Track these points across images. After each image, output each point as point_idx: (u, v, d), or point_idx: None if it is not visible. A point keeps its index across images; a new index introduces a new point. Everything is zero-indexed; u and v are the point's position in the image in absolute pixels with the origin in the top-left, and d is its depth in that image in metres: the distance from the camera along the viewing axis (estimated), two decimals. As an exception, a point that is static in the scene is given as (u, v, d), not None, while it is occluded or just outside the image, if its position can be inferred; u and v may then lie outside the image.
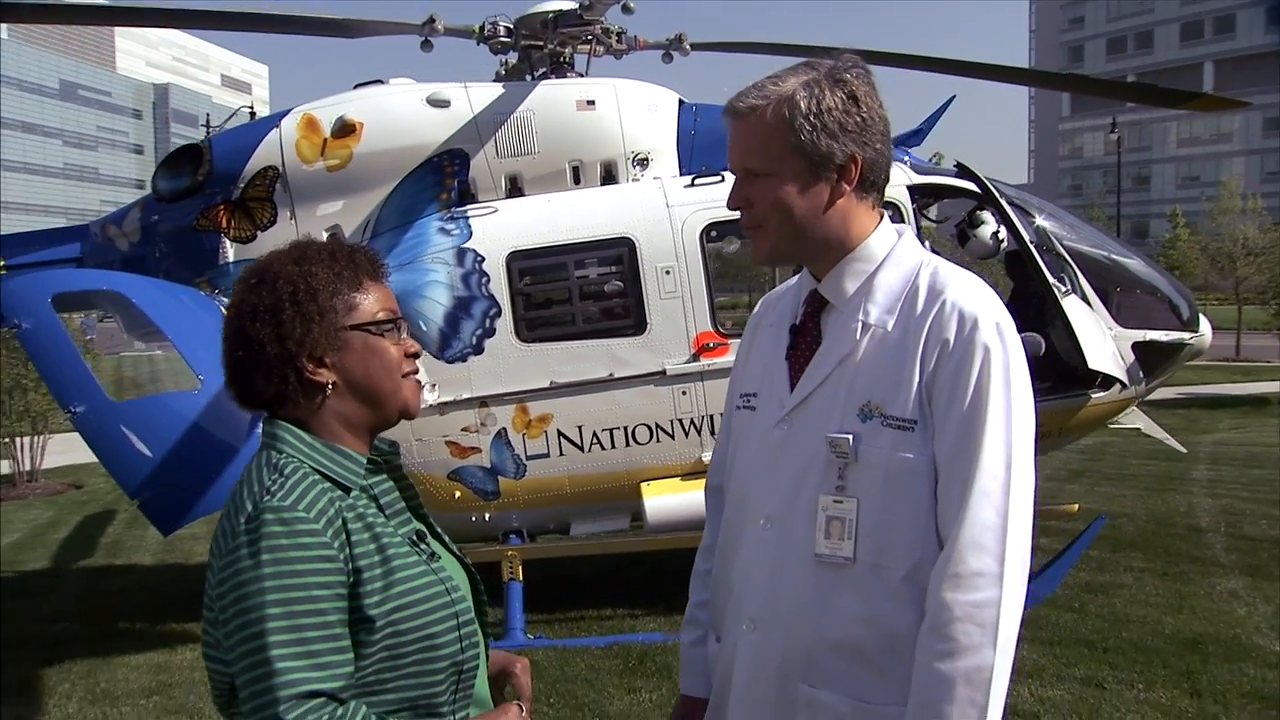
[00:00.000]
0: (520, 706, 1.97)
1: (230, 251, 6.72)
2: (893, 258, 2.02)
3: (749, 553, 2.06)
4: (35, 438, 14.39)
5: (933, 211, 8.03)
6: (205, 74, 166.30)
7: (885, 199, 6.39)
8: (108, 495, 12.89)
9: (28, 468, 14.78)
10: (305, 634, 1.64)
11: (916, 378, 1.91)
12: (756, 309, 2.30)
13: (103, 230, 7.12)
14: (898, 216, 6.74)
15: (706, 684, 2.21)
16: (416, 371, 1.98)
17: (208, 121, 42.65)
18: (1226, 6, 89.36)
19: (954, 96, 8.06)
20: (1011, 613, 1.82)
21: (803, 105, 1.92)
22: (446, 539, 2.05)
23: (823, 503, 1.94)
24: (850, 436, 1.92)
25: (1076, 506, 7.34)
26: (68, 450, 14.07)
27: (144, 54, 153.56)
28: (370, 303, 1.90)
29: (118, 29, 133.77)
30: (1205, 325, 7.54)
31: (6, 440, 14.64)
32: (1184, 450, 8.68)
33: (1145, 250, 8.75)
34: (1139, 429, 7.84)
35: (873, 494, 1.91)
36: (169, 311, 6.15)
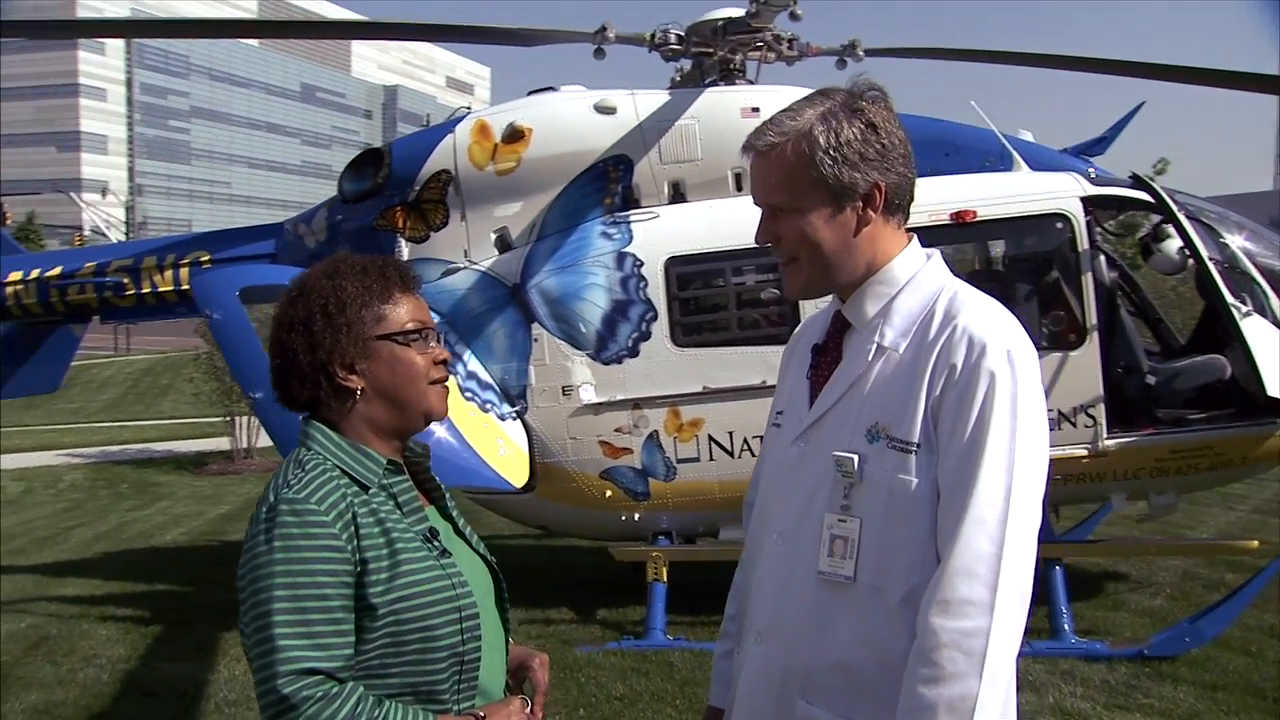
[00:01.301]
0: (525, 700, 2.05)
1: (405, 251, 7.06)
2: (915, 282, 2.02)
3: (763, 567, 2.09)
4: (253, 417, 15.50)
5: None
6: (431, 76, 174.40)
7: (1056, 211, 6.12)
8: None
9: (245, 445, 16.00)
10: (308, 616, 1.78)
11: (923, 401, 1.89)
12: (796, 331, 2.31)
13: (294, 228, 7.62)
14: (1067, 229, 6.46)
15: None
16: (446, 379, 2.09)
17: (428, 122, 44.67)
18: None
19: (1143, 103, 7.65)
20: (1003, 644, 1.78)
21: (821, 139, 1.93)
22: (472, 539, 2.15)
23: (828, 520, 1.95)
24: (856, 457, 1.93)
25: (1256, 543, 6.82)
26: (277, 431, 15.04)
27: (376, 57, 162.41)
28: (399, 314, 2.03)
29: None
30: None
31: (228, 419, 15.88)
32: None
33: None
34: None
35: (875, 515, 1.91)
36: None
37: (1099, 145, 7.48)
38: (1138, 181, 6.72)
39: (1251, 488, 10.69)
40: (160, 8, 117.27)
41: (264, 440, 15.88)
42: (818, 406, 2.04)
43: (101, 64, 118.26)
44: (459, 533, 2.13)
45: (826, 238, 1.98)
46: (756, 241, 2.08)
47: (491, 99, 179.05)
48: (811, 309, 6.54)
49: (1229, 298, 6.01)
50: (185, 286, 7.48)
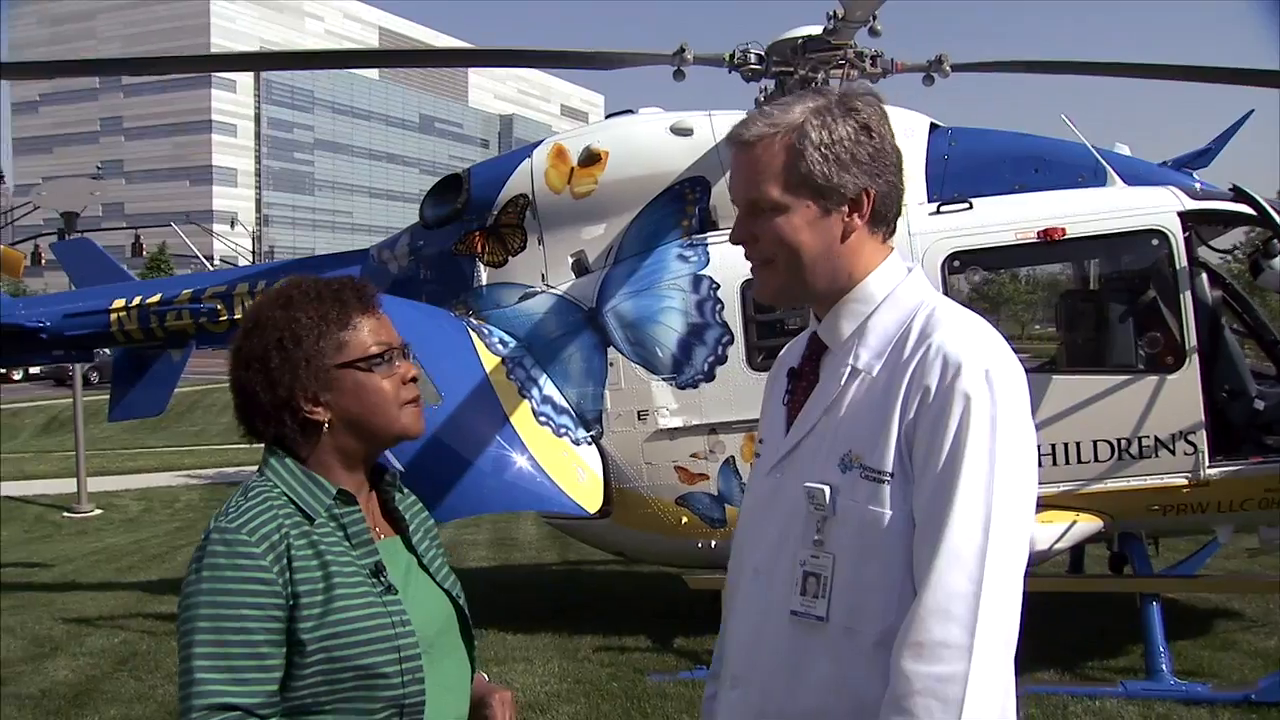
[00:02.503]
0: None
1: (484, 275, 7.11)
2: (892, 298, 1.87)
3: (739, 606, 1.97)
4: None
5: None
6: (546, 104, 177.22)
7: (1152, 227, 5.83)
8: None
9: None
10: (228, 649, 1.73)
11: (896, 427, 1.75)
12: (780, 354, 2.17)
13: (379, 254, 7.74)
14: (1165, 245, 6.14)
15: None
16: (418, 397, 2.01)
17: (537, 150, 45.14)
18: None
19: (1251, 111, 7.25)
20: (983, 690, 1.62)
21: (813, 135, 1.80)
22: (439, 572, 2.06)
23: (800, 556, 1.81)
24: (827, 488, 1.79)
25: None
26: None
27: (492, 87, 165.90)
28: (361, 338, 1.96)
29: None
30: None
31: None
32: None
33: None
34: None
35: (848, 550, 1.77)
36: (421, 331, 6.57)
37: (1203, 157, 7.11)
38: (1239, 194, 6.35)
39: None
40: (286, 45, 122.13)
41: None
42: (792, 434, 1.91)
43: (232, 101, 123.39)
44: (424, 566, 2.04)
45: (807, 241, 1.84)
46: (731, 241, 1.95)
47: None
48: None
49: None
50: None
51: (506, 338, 6.96)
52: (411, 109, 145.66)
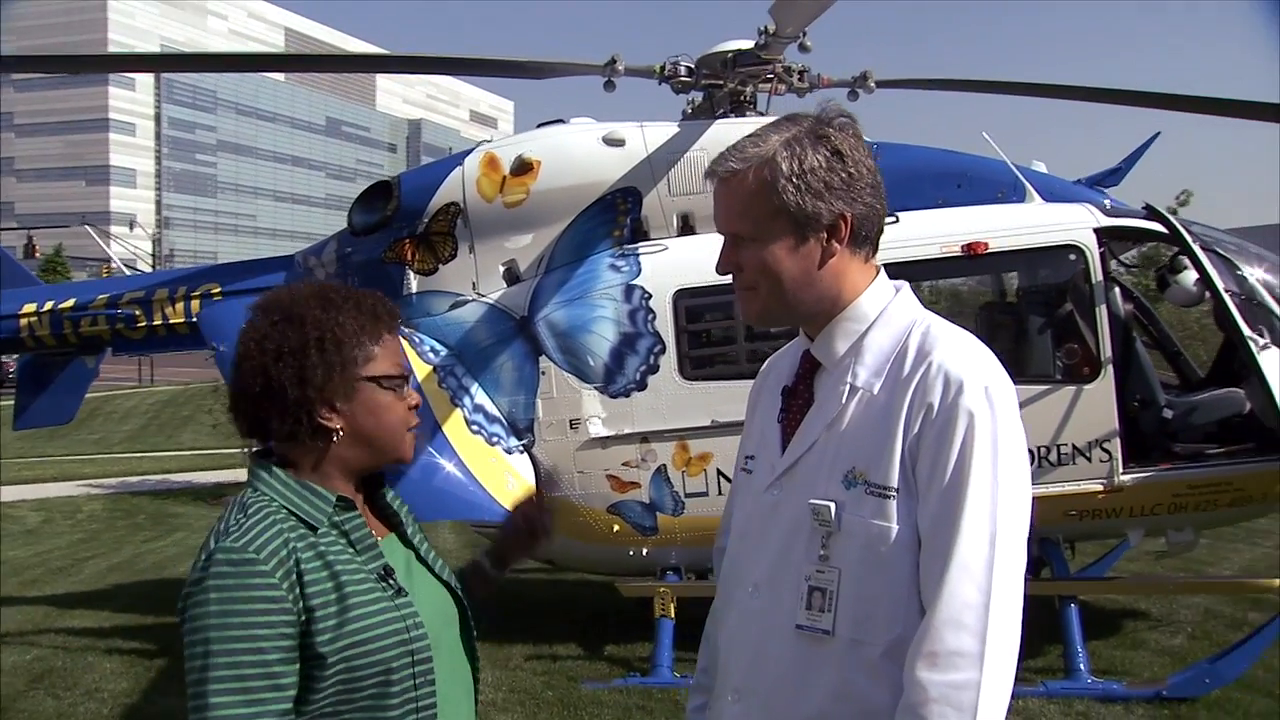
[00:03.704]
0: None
1: (414, 283, 7.06)
2: (885, 317, 1.93)
3: (736, 620, 2.00)
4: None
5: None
6: (455, 110, 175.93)
7: (1069, 242, 6.04)
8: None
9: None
10: (242, 670, 1.71)
11: (900, 444, 1.81)
12: (762, 369, 2.23)
13: (304, 260, 7.62)
14: (1081, 260, 6.38)
15: None
16: (418, 424, 2.03)
17: (450, 155, 44.89)
18: None
19: (1158, 134, 7.57)
20: (994, 696, 1.69)
21: (784, 166, 1.86)
22: (436, 564, 2.09)
23: (806, 571, 1.86)
24: (832, 504, 1.84)
25: (1278, 581, 6.67)
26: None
27: (401, 91, 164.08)
28: (386, 356, 1.97)
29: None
30: None
31: (245, 450, 15.89)
32: None
33: None
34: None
35: (854, 564, 1.82)
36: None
37: (1114, 176, 7.41)
38: (1151, 212, 6.63)
39: (1276, 523, 10.48)
40: (189, 44, 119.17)
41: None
42: (791, 452, 1.95)
43: (131, 99, 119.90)
44: (421, 559, 2.06)
45: (788, 269, 1.90)
46: (718, 271, 2.01)
47: (515, 132, 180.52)
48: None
49: (1246, 330, 5.91)
50: (195, 319, 7.49)
51: (437, 346, 6.92)
52: (318, 112, 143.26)
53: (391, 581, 1.90)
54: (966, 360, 1.83)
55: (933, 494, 1.77)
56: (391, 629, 1.84)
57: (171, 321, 7.68)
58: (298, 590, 1.78)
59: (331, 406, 1.91)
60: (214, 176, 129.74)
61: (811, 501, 1.86)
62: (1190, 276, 6.79)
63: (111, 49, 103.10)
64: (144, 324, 7.76)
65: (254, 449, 2.00)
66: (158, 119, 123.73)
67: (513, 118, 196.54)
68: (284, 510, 1.86)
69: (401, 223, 7.11)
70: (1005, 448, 1.77)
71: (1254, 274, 6.46)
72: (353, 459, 1.96)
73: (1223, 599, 7.98)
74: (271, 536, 1.80)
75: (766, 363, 2.23)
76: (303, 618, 1.77)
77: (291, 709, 1.77)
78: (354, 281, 7.33)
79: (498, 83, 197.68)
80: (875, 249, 1.98)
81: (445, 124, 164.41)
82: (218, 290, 7.65)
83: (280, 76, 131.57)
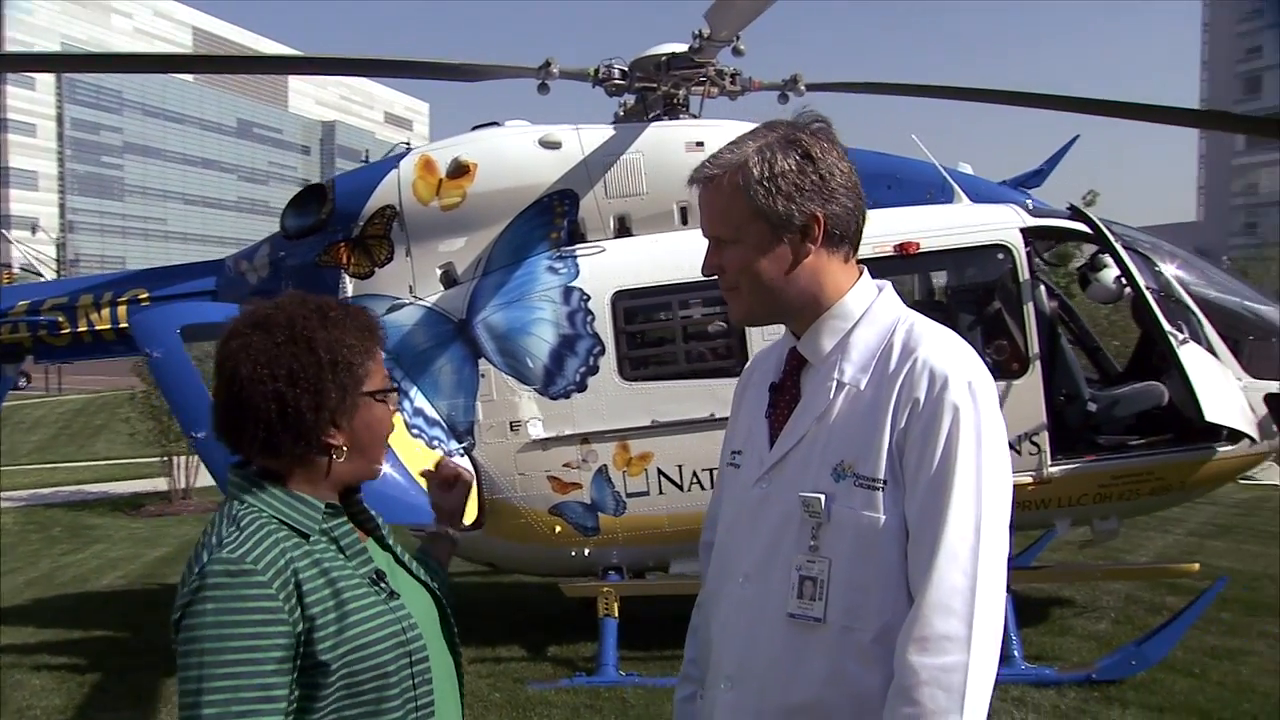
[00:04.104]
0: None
1: (349, 287, 6.99)
2: (870, 315, 2.02)
3: (727, 610, 2.06)
4: (191, 457, 15.19)
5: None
6: (370, 111, 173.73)
7: (998, 242, 6.20)
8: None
9: (183, 485, 15.66)
10: (238, 682, 1.71)
11: (887, 437, 1.89)
12: (747, 366, 2.30)
13: (235, 265, 7.51)
14: (1009, 259, 6.58)
15: None
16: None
17: (366, 157, 44.59)
18: None
19: (1077, 136, 7.84)
20: (981, 678, 1.78)
21: (755, 171, 1.95)
22: (413, 565, 2.12)
23: (796, 561, 1.93)
24: (822, 496, 1.91)
25: (1196, 566, 6.95)
26: (217, 470, 14.80)
27: (314, 93, 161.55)
28: (379, 370, 2.00)
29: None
30: (1353, 376, 7.06)
31: (165, 459, 15.55)
32: (1329, 509, 8.15)
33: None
34: (1277, 485, 7.39)
35: (844, 554, 1.90)
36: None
37: (1036, 177, 7.65)
38: (1076, 213, 6.86)
39: (1187, 511, 10.88)
40: (91, 43, 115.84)
41: (202, 480, 15.58)
42: (779, 446, 2.02)
43: (30, 99, 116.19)
44: (400, 562, 2.09)
45: (765, 269, 1.98)
46: (703, 272, 2.09)
47: (430, 134, 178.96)
48: (760, 341, 6.63)
49: (1166, 326, 6.15)
50: (124, 325, 7.33)
51: (375, 350, 6.86)
52: (228, 113, 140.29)
53: (384, 585, 1.92)
54: (950, 356, 1.91)
55: (920, 485, 1.85)
56: (389, 632, 1.87)
57: (98, 328, 7.51)
58: (295, 600, 1.78)
59: (338, 426, 1.92)
60: (121, 179, 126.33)
61: (802, 494, 1.93)
62: (1110, 274, 7.05)
63: (9, 48, 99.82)
64: (68, 330, 7.56)
65: (235, 462, 1.98)
66: (60, 120, 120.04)
67: (428, 120, 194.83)
68: (275, 520, 1.86)
69: (336, 226, 7.04)
70: (988, 440, 1.86)
71: (1170, 271, 6.72)
72: (348, 472, 1.98)
73: (1141, 585, 8.28)
74: (268, 548, 1.80)
75: (752, 360, 2.30)
76: (301, 627, 1.77)
77: None
78: (287, 285, 7.26)
79: (413, 84, 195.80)
80: (855, 249, 2.05)
81: (360, 126, 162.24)
82: (145, 296, 7.49)
83: (189, 76, 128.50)
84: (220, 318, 6.82)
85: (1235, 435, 6.48)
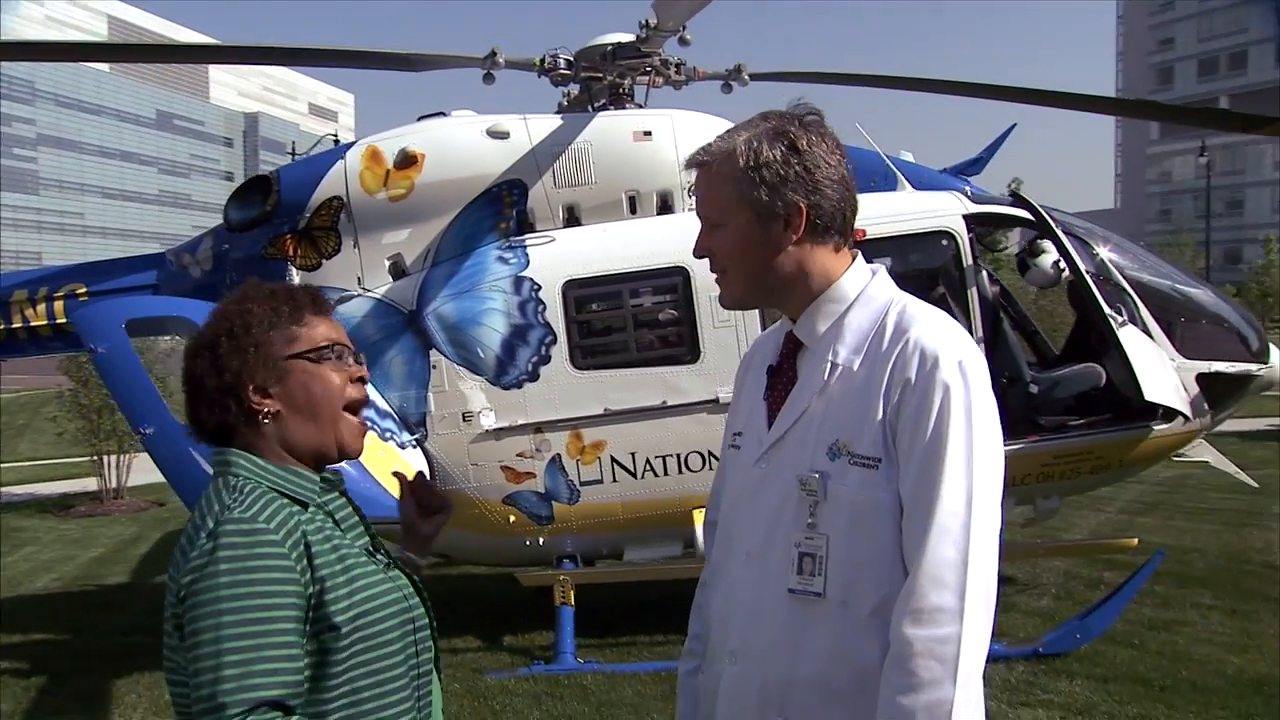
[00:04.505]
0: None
1: (296, 278, 6.91)
2: (863, 298, 2.07)
3: (731, 587, 2.12)
4: (121, 456, 14.87)
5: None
6: (293, 103, 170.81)
7: (941, 228, 6.31)
8: (188, 513, 13.27)
9: (114, 485, 15.31)
10: (258, 640, 1.71)
11: (880, 416, 1.95)
12: (747, 351, 2.35)
13: (177, 258, 7.38)
14: (952, 245, 6.72)
15: (700, 716, 2.25)
16: (364, 399, 2.06)
17: (293, 149, 43.89)
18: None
19: (1014, 125, 8.03)
20: (973, 648, 1.84)
21: (741, 161, 2.01)
22: (394, 558, 2.12)
23: (795, 538, 1.98)
24: (819, 475, 1.97)
25: (1135, 540, 7.19)
26: (152, 468, 14.57)
27: (235, 84, 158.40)
28: (313, 334, 2.00)
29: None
30: (1276, 356, 7.35)
31: (95, 458, 15.19)
32: (1256, 485, 8.45)
33: (1238, 277, 8.39)
34: (1207, 462, 7.65)
35: (841, 531, 1.95)
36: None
37: (975, 165, 7.81)
38: (1017, 199, 7.03)
39: (1117, 490, 11.20)
40: (5, 32, 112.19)
41: (135, 479, 15.27)
42: (777, 427, 2.08)
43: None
44: (381, 548, 2.10)
45: (749, 254, 2.05)
46: (694, 255, 2.15)
47: (356, 126, 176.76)
48: (711, 330, 6.70)
49: (1107, 309, 6.33)
50: (61, 320, 7.16)
51: (323, 342, 6.79)
52: (146, 104, 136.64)
53: (381, 555, 1.97)
54: (941, 336, 1.97)
55: (913, 462, 1.91)
56: (392, 599, 1.91)
57: (33, 324, 7.32)
58: (305, 562, 1.81)
59: (263, 391, 1.95)
60: (35, 172, 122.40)
61: (799, 474, 1.99)
62: (1048, 260, 7.25)
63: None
64: (2, 327, 7.37)
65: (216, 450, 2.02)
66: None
67: (353, 111, 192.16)
68: (273, 491, 1.89)
69: (282, 218, 6.96)
70: (979, 417, 1.92)
71: (1107, 255, 6.92)
72: (297, 440, 1.97)
73: (1080, 561, 8.52)
74: (278, 509, 1.84)
75: (753, 344, 2.35)
76: (313, 589, 1.80)
77: (304, 679, 1.77)
78: (232, 279, 7.16)
79: (338, 76, 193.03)
80: (845, 237, 2.10)
81: (283, 117, 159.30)
82: (83, 290, 7.33)
83: (104, 66, 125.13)
84: (166, 312, 6.73)
85: (1170, 414, 6.70)
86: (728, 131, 2.07)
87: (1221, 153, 71.49)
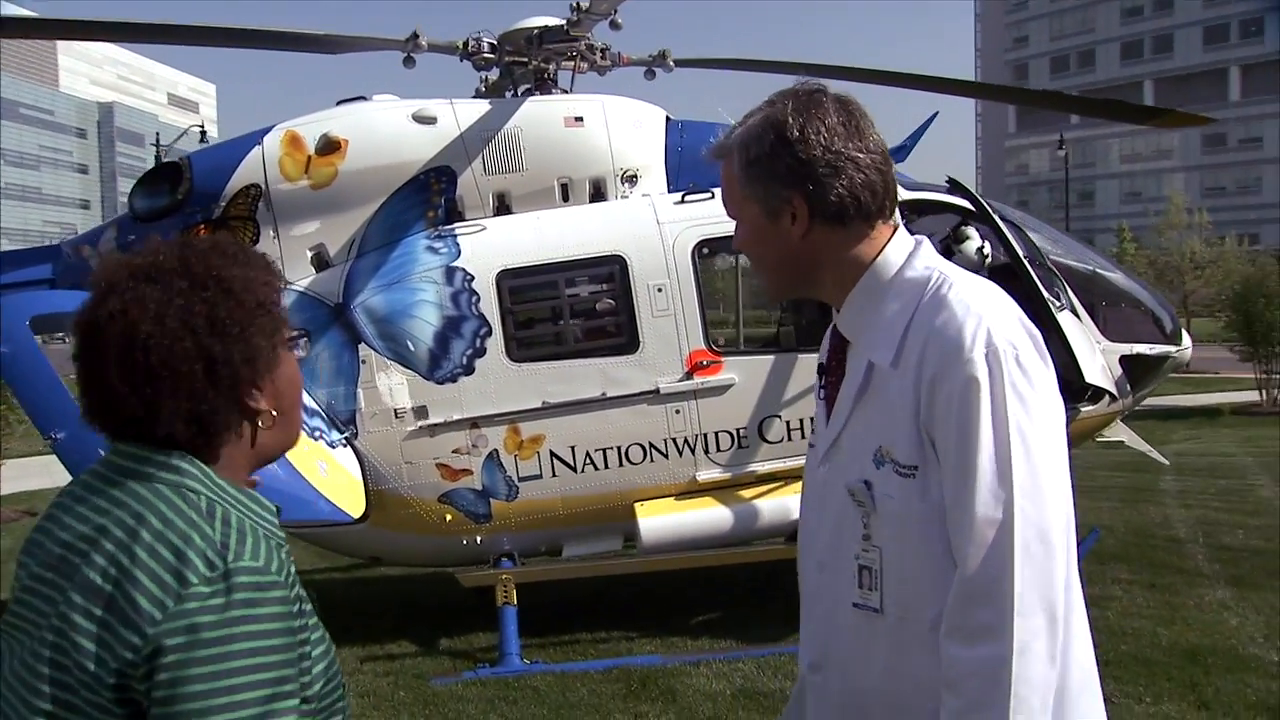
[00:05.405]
0: None
1: (211, 272, 6.55)
2: (897, 284, 1.91)
3: (809, 596, 2.06)
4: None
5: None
6: (151, 93, 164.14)
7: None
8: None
9: (-12, 495, 14.40)
10: (274, 704, 1.40)
11: (915, 420, 1.81)
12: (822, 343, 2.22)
13: (76, 250, 6.91)
14: (890, 231, 6.74)
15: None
16: None
17: (157, 141, 41.95)
18: (1164, 27, 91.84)
19: (936, 114, 8.12)
20: (1029, 668, 1.69)
21: (738, 157, 1.94)
22: None
23: (854, 550, 1.90)
24: (865, 484, 1.86)
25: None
26: (23, 476, 13.78)
27: (87, 72, 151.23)
28: (286, 315, 1.64)
29: (60, 45, 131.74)
30: (1187, 338, 7.62)
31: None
32: (1167, 461, 8.77)
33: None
34: (1123, 441, 7.89)
35: (892, 542, 1.85)
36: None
37: (900, 153, 7.84)
38: (955, 186, 7.10)
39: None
40: None
41: (9, 486, 14.38)
42: (831, 427, 1.99)
43: None
44: None
45: (767, 250, 1.99)
46: (734, 248, 2.10)
47: (218, 116, 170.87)
48: (650, 320, 6.58)
49: (1045, 294, 6.43)
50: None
51: (244, 338, 6.46)
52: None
53: (314, 603, 1.59)
54: (968, 321, 1.79)
55: (947, 469, 1.78)
56: (332, 658, 1.59)
57: (-82, 324, 6.77)
58: (302, 620, 1.49)
59: (261, 385, 1.55)
60: None
61: (847, 483, 1.89)
62: (973, 246, 7.31)
63: None
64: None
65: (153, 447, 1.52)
66: None
67: (215, 101, 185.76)
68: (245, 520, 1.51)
69: (195, 207, 6.60)
70: (1017, 408, 1.74)
71: (1039, 242, 7.05)
72: (272, 445, 1.60)
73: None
74: (272, 553, 1.47)
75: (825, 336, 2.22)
76: (303, 650, 1.48)
77: None
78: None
79: (199, 64, 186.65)
80: (869, 221, 1.92)
81: (141, 107, 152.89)
82: (-31, 287, 6.80)
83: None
84: (74, 306, 6.27)
85: (1096, 395, 6.86)
86: (732, 126, 2.00)
87: (1073, 146, 74.51)
